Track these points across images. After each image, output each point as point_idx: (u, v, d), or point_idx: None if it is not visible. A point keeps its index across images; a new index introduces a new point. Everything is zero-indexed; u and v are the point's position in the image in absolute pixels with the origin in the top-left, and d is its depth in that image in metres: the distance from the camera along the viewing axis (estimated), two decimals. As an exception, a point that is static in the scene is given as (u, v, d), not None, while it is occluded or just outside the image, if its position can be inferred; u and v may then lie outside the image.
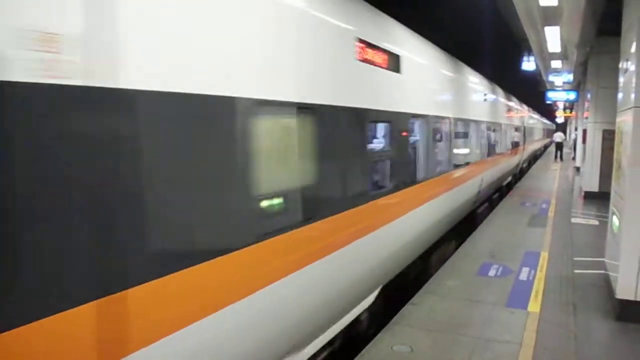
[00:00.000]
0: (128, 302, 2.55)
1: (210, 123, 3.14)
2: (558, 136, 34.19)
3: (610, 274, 6.76)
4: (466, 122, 10.47)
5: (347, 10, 5.14)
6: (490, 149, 13.68)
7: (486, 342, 5.44)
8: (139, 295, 2.61)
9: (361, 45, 5.09)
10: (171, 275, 2.80)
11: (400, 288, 7.13)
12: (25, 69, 2.09)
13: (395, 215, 6.17)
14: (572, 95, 24.10)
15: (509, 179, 19.42)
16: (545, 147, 48.77)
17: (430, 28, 11.49)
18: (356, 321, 5.67)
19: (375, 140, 6.37)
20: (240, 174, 3.36)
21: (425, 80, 7.76)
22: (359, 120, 5.16)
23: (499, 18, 16.64)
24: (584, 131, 17.89)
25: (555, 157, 32.48)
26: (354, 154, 5.09)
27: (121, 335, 2.56)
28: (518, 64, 27.12)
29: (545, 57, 17.11)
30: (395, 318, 6.08)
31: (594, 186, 14.96)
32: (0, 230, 2.10)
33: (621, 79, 7.17)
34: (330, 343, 5.13)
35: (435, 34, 10.06)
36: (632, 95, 5.99)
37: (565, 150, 34.12)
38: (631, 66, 6.27)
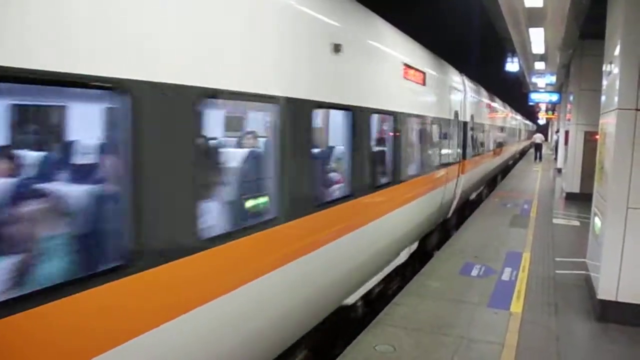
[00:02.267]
0: None
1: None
2: (538, 137, 34.70)
3: (592, 274, 6.81)
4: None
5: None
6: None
7: (469, 342, 5.42)
8: None
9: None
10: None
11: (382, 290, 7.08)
12: None
13: None
14: (554, 97, 24.39)
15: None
16: (523, 152, 40.18)
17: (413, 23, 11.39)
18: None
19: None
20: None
21: None
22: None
23: (484, 17, 16.70)
24: (566, 133, 18.09)
25: (535, 157, 32.93)
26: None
27: None
28: (502, 65, 27.34)
29: (528, 58, 17.25)
30: (377, 318, 6.03)
31: (575, 187, 15.14)
32: None
33: (604, 82, 7.22)
34: (311, 340, 5.07)
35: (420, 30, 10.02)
36: (616, 98, 6.03)
37: (546, 151, 34.57)
38: (615, 69, 6.31)
